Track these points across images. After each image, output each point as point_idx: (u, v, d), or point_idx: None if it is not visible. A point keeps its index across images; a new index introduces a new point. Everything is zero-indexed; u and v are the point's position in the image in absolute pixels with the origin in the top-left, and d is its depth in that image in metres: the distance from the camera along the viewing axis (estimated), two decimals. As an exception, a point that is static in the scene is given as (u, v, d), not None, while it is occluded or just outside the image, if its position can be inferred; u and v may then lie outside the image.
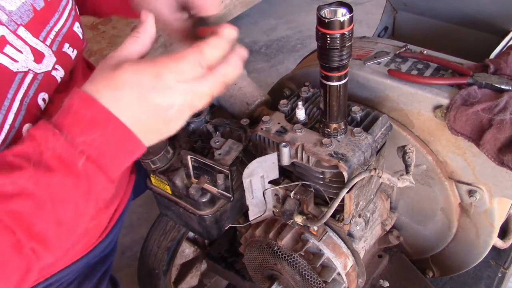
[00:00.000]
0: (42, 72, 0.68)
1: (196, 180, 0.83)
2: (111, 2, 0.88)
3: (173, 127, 0.60)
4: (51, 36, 0.71)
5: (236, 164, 0.83)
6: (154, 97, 0.56)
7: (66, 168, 0.54)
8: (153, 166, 0.87)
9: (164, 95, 0.57)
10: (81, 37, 0.78)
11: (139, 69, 0.56)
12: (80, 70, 0.81)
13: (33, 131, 0.56)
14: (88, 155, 0.54)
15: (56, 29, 0.72)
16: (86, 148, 0.54)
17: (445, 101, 0.81)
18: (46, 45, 0.69)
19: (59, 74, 0.71)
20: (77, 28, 0.77)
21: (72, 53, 0.75)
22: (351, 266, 0.87)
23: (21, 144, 0.55)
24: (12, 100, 0.64)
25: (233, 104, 0.96)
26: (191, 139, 0.90)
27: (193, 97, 0.58)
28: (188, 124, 0.91)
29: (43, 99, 0.68)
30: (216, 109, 1.00)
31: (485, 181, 0.85)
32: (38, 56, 0.68)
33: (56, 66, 0.71)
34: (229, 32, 0.61)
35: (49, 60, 0.70)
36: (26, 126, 0.67)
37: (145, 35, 0.62)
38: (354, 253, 0.87)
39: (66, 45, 0.74)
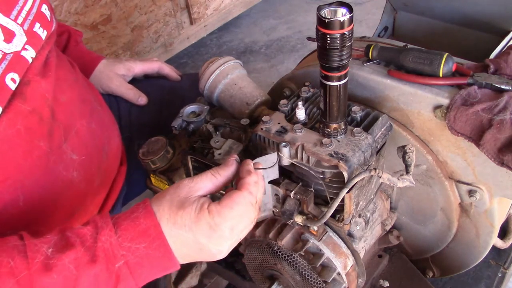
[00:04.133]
0: (11, 52, 0.68)
1: (196, 180, 0.83)
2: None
3: (215, 259, 0.66)
4: (23, 15, 0.71)
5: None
6: (207, 244, 0.63)
7: (107, 263, 0.59)
8: (153, 166, 0.87)
9: (217, 244, 0.63)
10: (49, 19, 0.79)
11: (199, 218, 0.62)
12: (55, 57, 0.81)
13: (97, 218, 0.62)
14: (127, 260, 0.60)
15: (26, 8, 0.72)
16: (128, 253, 0.60)
17: (445, 101, 0.81)
18: (18, 23, 0.70)
19: (29, 54, 0.71)
20: (45, 10, 0.77)
21: (43, 33, 0.75)
22: (351, 266, 0.87)
23: (85, 225, 0.61)
24: None
25: (233, 104, 0.96)
26: (191, 139, 0.90)
27: (240, 237, 0.66)
28: (188, 124, 0.91)
29: (12, 79, 0.68)
30: (216, 109, 1.00)
31: (485, 181, 0.85)
32: (8, 36, 0.68)
33: (26, 46, 0.71)
34: (257, 165, 0.70)
35: (19, 40, 0.70)
36: None
37: (223, 178, 0.68)
38: (354, 253, 0.87)
39: (37, 24, 0.74)
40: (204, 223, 0.62)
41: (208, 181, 0.67)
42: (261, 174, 0.69)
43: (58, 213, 0.81)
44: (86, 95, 0.89)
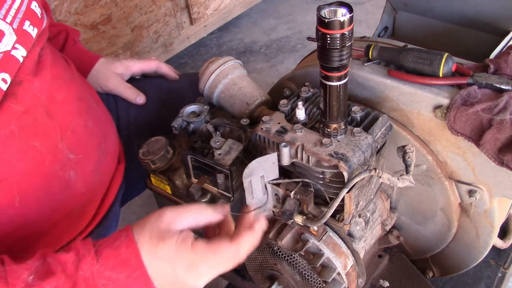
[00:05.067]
0: (1, 52, 0.67)
1: (196, 180, 0.83)
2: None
3: None
4: (11, 13, 0.70)
5: (236, 164, 0.83)
6: (185, 277, 0.63)
7: None
8: (153, 166, 0.87)
9: (195, 279, 0.64)
10: (40, 16, 0.77)
11: (180, 252, 0.62)
12: (50, 55, 0.80)
13: (78, 245, 0.62)
14: None
15: (15, 6, 0.71)
16: (109, 282, 0.60)
17: (445, 101, 0.81)
18: (7, 22, 0.69)
19: (19, 53, 0.70)
20: (35, 7, 0.76)
21: (33, 31, 0.74)
22: (351, 266, 0.87)
23: (66, 252, 0.61)
24: None
25: (233, 104, 0.96)
26: (191, 139, 0.90)
27: (219, 273, 0.66)
28: (188, 124, 0.91)
29: (3, 79, 0.68)
30: (216, 109, 1.00)
31: (485, 181, 0.85)
32: None
33: (16, 45, 0.70)
34: (262, 226, 0.69)
35: (9, 39, 0.69)
36: None
37: (207, 221, 0.68)
38: (354, 253, 0.87)
39: (27, 22, 0.73)
40: (185, 257, 0.63)
41: (191, 219, 0.66)
42: (260, 234, 0.69)
43: (56, 213, 0.80)
44: (83, 93, 0.88)
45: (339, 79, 0.70)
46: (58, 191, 0.79)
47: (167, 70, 1.18)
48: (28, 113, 0.72)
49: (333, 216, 0.81)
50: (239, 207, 0.90)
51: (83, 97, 0.88)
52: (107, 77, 1.09)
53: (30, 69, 0.73)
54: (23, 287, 0.56)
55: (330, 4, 0.65)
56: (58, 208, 0.81)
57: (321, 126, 0.77)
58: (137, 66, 1.14)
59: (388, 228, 0.99)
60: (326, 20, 0.63)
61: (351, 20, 0.64)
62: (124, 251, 0.61)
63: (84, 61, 1.07)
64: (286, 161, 0.78)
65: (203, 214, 0.68)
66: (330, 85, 0.71)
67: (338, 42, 0.65)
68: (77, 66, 0.94)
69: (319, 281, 0.83)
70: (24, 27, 0.72)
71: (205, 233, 0.73)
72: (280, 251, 0.85)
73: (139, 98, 1.09)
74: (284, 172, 0.83)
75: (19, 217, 0.74)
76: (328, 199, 0.81)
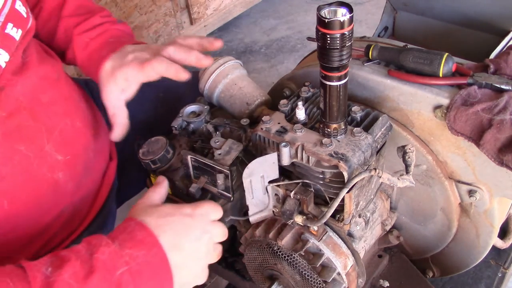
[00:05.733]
0: None
1: (196, 180, 0.83)
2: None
3: (202, 266, 0.71)
4: None
5: (236, 164, 0.83)
6: (193, 213, 0.70)
7: (105, 273, 0.59)
8: (153, 166, 0.87)
9: (201, 209, 0.71)
10: (25, 15, 0.75)
11: (174, 205, 0.71)
12: (35, 54, 0.79)
13: (89, 238, 0.63)
14: (130, 267, 0.61)
15: None
16: (130, 260, 0.61)
17: (445, 101, 0.81)
18: None
19: (2, 58, 0.69)
20: (19, 6, 0.74)
21: (16, 33, 0.72)
22: (351, 266, 0.87)
23: (77, 245, 0.62)
24: None
25: (233, 104, 0.96)
26: (191, 139, 0.90)
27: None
28: (188, 124, 0.91)
29: None
30: (216, 109, 1.00)
31: (485, 181, 0.85)
32: None
33: None
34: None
35: None
36: None
37: (163, 190, 0.76)
38: (354, 253, 0.87)
39: (10, 25, 0.71)
40: (182, 207, 0.70)
41: (154, 195, 0.74)
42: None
43: (46, 214, 0.79)
44: (70, 92, 0.87)
45: (339, 79, 0.70)
46: (47, 193, 0.78)
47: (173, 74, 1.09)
48: (12, 117, 0.71)
49: (333, 216, 0.81)
50: (239, 207, 0.90)
51: (70, 96, 0.86)
52: None
53: (12, 73, 0.71)
54: (43, 279, 0.57)
55: (330, 4, 0.65)
56: (48, 210, 0.80)
57: (321, 126, 0.77)
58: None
59: (388, 228, 0.99)
60: (326, 20, 0.63)
61: (351, 20, 0.64)
62: (138, 233, 0.64)
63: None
64: (286, 161, 0.78)
65: (156, 187, 0.76)
66: (330, 85, 0.71)
67: (338, 42, 0.65)
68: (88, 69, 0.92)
69: (319, 281, 0.83)
70: (6, 31, 0.70)
71: None
72: (280, 251, 0.85)
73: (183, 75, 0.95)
74: (284, 172, 0.83)
75: (8, 221, 0.73)
76: (328, 199, 0.81)
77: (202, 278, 0.71)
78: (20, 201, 0.74)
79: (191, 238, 0.69)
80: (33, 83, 0.76)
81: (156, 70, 0.81)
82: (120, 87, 0.84)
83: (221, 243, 0.74)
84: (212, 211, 0.73)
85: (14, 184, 0.73)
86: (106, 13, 0.95)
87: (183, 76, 0.82)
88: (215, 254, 0.73)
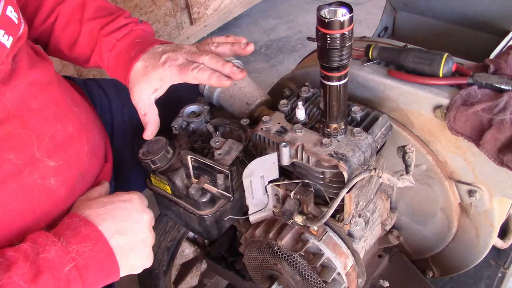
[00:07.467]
0: None
1: (196, 180, 0.83)
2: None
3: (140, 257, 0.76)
4: None
5: (236, 164, 0.83)
6: (131, 197, 0.78)
7: (53, 271, 0.61)
8: (153, 166, 0.86)
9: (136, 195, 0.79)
10: (16, 21, 0.74)
11: (112, 194, 0.80)
12: (25, 59, 0.77)
13: (34, 235, 0.65)
14: (77, 263, 0.64)
15: None
16: (77, 256, 0.64)
17: (445, 101, 0.81)
18: None
19: None
20: (10, 12, 0.72)
21: (7, 41, 0.71)
22: (351, 266, 0.87)
23: (23, 243, 0.64)
24: None
25: (233, 104, 0.96)
26: (191, 139, 0.90)
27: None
28: (188, 124, 0.91)
29: None
30: (216, 109, 1.00)
31: (485, 181, 0.85)
32: None
33: None
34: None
35: None
36: None
37: (103, 188, 0.85)
38: (354, 253, 0.87)
39: (1, 32, 0.70)
40: (122, 193, 0.78)
41: (96, 190, 0.83)
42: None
43: (40, 221, 0.77)
44: (61, 97, 0.85)
45: (339, 79, 0.70)
46: (40, 200, 0.76)
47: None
48: (0, 126, 0.70)
49: (333, 216, 0.81)
50: (239, 207, 0.90)
51: (62, 101, 0.84)
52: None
53: (1, 81, 0.70)
54: None
55: (330, 4, 0.65)
56: (41, 216, 0.77)
57: (321, 126, 0.77)
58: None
59: (388, 228, 0.99)
60: (326, 20, 0.63)
61: (351, 20, 0.64)
62: (83, 229, 0.67)
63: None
64: (286, 161, 0.78)
65: (104, 186, 0.84)
66: (330, 85, 0.71)
67: (338, 42, 0.65)
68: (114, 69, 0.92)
69: (319, 281, 0.83)
70: None
71: None
72: (280, 251, 0.85)
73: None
74: (284, 172, 0.83)
75: (2, 229, 0.72)
76: (328, 199, 0.81)
77: (150, 259, 0.78)
78: (11, 209, 0.73)
79: (133, 220, 0.74)
80: (23, 89, 0.74)
81: (198, 79, 0.82)
82: (153, 87, 0.85)
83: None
84: (143, 197, 0.80)
85: (5, 192, 0.71)
86: (128, 14, 0.95)
87: (227, 83, 0.81)
88: (154, 236, 0.79)
